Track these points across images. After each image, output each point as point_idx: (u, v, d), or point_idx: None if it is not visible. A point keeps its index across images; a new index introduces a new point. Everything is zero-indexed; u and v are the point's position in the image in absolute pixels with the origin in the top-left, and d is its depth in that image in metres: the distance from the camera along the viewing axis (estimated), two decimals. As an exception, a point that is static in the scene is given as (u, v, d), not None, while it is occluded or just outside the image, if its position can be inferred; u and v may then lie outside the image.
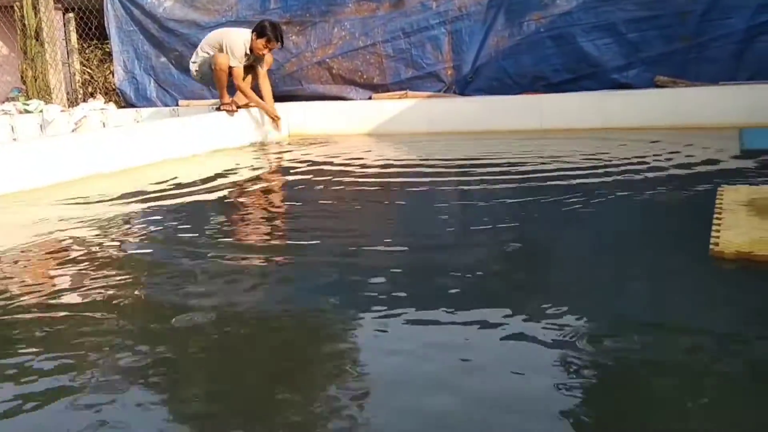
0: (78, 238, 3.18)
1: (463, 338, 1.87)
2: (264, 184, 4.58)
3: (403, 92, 7.01)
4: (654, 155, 4.78)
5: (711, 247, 2.49)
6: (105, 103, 8.15)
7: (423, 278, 2.42)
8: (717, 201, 3.20)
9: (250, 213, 3.78)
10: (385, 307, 2.12)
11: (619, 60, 6.29)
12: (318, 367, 1.76)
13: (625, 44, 6.26)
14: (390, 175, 4.71)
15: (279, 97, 7.48)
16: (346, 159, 5.42)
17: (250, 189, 4.41)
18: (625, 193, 3.68)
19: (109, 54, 8.69)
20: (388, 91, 7.13)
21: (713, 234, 2.64)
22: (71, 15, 9.25)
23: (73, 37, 9.37)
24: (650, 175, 4.13)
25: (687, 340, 1.81)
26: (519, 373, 1.65)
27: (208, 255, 2.84)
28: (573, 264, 2.62)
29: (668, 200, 3.53)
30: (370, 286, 2.34)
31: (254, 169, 5.23)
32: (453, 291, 2.26)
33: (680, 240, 2.84)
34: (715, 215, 2.94)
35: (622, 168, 4.39)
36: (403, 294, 2.24)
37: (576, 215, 3.30)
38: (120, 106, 8.28)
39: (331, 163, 5.21)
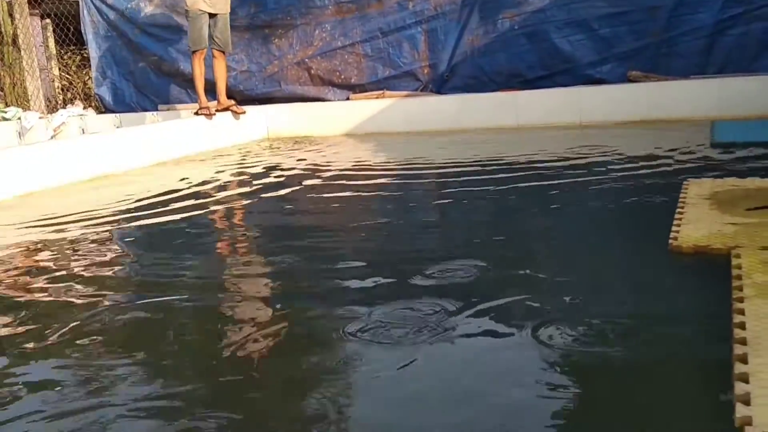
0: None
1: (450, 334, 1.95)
2: (240, 191, 4.63)
3: (380, 92, 7.07)
4: (624, 149, 4.87)
5: (670, 241, 2.57)
6: (84, 109, 8.15)
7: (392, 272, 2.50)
8: (681, 195, 3.29)
9: (241, 222, 3.83)
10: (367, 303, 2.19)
11: (592, 56, 6.39)
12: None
13: (597, 40, 6.35)
14: (367, 177, 4.77)
15: (258, 99, 7.54)
16: (325, 162, 5.48)
17: (232, 196, 4.46)
18: (593, 187, 3.77)
19: (88, 59, 8.68)
20: (366, 90, 7.19)
21: (673, 228, 2.72)
22: (48, 21, 9.23)
23: (51, 42, 9.36)
24: (619, 168, 4.22)
25: (639, 333, 1.89)
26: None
27: (188, 268, 2.89)
28: (540, 257, 2.70)
29: (635, 194, 3.61)
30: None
31: (236, 174, 5.28)
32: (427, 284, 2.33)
33: (643, 234, 2.92)
34: (678, 209, 3.02)
35: (592, 162, 4.48)
36: (382, 288, 2.31)
37: (546, 210, 3.39)
38: (99, 112, 8.29)
39: (310, 167, 5.27)
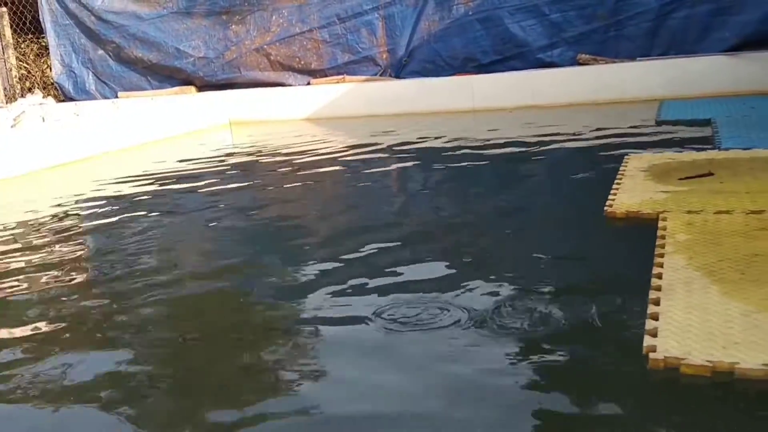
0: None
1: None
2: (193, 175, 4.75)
3: (340, 77, 7.19)
4: (575, 128, 5.09)
5: (605, 208, 2.79)
6: (44, 97, 8.13)
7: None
8: (621, 168, 3.52)
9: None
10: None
11: (543, 40, 6.58)
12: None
13: (548, 25, 6.55)
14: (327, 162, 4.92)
15: (218, 85, 7.61)
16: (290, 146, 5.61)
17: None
18: (545, 163, 4.00)
19: (46, 48, 8.64)
20: (326, 76, 7.30)
21: (610, 197, 2.94)
22: (4, 9, 9.13)
23: (8, 31, 9.26)
24: (569, 146, 4.45)
25: (566, 284, 2.09)
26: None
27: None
28: (492, 221, 2.91)
29: (583, 169, 3.85)
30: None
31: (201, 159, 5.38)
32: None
33: (585, 202, 3.14)
34: (616, 180, 3.25)
35: (545, 140, 4.69)
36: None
37: (499, 183, 3.61)
38: (59, 101, 8.27)
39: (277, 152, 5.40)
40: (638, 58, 6.26)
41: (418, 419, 1.45)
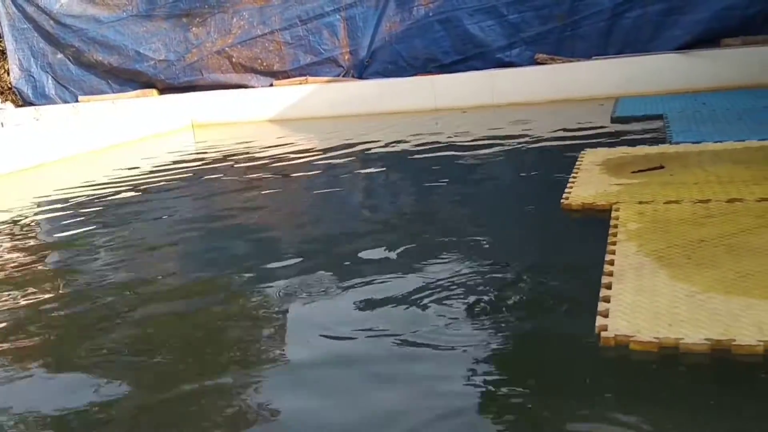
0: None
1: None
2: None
3: (303, 78, 7.24)
4: (534, 126, 5.22)
5: (562, 201, 2.90)
6: (2, 102, 8.03)
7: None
8: (577, 162, 3.64)
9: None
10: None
11: (502, 40, 6.71)
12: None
13: (506, 25, 6.68)
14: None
15: (179, 88, 7.60)
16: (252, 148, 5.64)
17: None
18: (502, 159, 4.12)
19: (3, 52, 8.53)
20: (289, 77, 7.34)
21: (567, 190, 3.05)
22: (-41, 14, 8.98)
23: (-37, 36, 9.11)
24: (527, 142, 4.56)
25: (528, 271, 2.18)
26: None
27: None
28: (452, 216, 3.00)
29: (542, 164, 3.97)
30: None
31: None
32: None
33: (542, 195, 3.26)
34: (573, 174, 3.36)
35: (503, 137, 4.81)
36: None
37: (459, 180, 3.70)
38: (18, 105, 8.18)
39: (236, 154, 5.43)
40: (594, 57, 6.43)
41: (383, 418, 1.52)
